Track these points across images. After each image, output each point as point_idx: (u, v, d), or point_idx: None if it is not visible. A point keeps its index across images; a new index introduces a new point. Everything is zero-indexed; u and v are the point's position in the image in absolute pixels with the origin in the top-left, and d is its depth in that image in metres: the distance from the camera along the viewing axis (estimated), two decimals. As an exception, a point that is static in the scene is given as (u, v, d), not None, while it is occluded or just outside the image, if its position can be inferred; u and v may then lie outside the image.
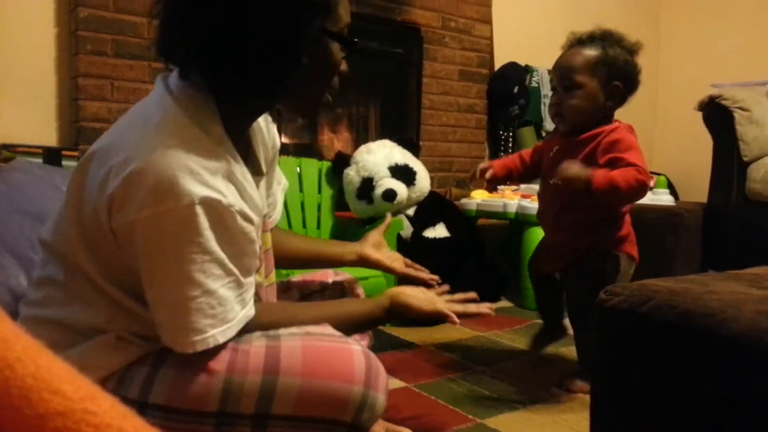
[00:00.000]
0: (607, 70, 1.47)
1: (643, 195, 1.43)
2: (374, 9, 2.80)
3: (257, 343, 0.83)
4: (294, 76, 0.83)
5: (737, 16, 3.89)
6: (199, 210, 0.73)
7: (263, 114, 0.98)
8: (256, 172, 0.95)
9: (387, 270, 1.24)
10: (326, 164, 2.46)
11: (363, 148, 2.42)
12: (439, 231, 2.34)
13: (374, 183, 2.29)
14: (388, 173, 2.31)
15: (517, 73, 3.33)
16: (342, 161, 2.41)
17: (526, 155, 1.72)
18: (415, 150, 2.50)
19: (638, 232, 2.72)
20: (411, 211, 2.38)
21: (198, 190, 0.73)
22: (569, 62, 1.49)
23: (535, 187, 2.70)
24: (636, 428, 0.85)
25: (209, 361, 0.80)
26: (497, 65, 3.37)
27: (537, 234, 2.39)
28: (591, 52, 1.47)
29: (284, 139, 2.87)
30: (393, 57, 3.05)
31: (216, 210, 0.75)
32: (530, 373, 1.69)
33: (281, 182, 1.14)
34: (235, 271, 0.80)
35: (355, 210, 2.38)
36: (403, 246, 2.25)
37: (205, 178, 0.75)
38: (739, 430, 0.71)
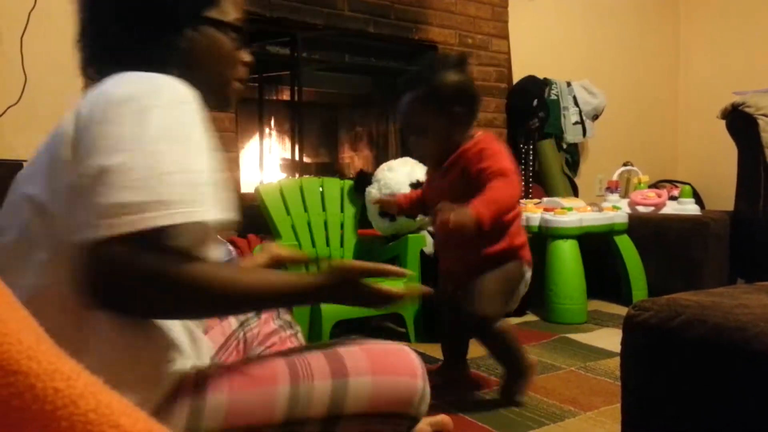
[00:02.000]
0: (437, 102, 1.50)
1: (520, 193, 1.47)
2: (392, 29, 2.83)
3: (313, 354, 0.85)
4: (177, 58, 0.88)
5: (758, 22, 3.86)
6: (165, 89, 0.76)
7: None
8: None
9: (296, 259, 1.23)
10: (348, 183, 2.48)
11: (384, 166, 2.43)
12: (462, 246, 2.34)
13: (396, 200, 2.30)
14: (409, 190, 2.32)
15: (535, 86, 3.34)
16: (363, 180, 2.43)
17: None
18: (435, 166, 2.51)
19: (665, 242, 2.69)
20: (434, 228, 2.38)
21: (170, 88, 0.77)
22: (403, 112, 1.57)
23: (560, 200, 2.69)
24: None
25: (269, 375, 0.80)
26: (515, 79, 3.38)
27: (560, 247, 2.39)
28: (415, 94, 1.53)
29: (306, 159, 2.90)
30: (411, 75, 3.07)
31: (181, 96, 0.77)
32: (558, 388, 1.68)
33: None
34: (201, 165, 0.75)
35: (378, 227, 2.39)
36: (426, 263, 2.26)
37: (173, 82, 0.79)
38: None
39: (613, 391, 1.62)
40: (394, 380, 0.84)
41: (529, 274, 1.62)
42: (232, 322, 1.15)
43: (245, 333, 1.15)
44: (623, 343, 0.92)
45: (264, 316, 1.18)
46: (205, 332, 1.03)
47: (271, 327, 1.17)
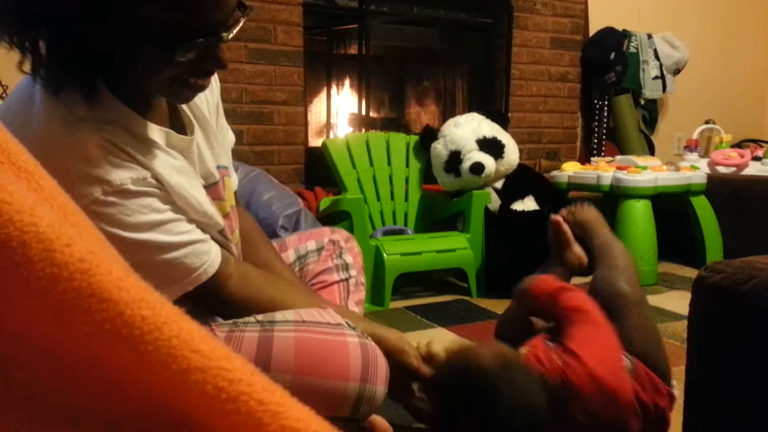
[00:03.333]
0: None
1: None
2: (462, -22, 2.75)
3: (250, 333, 0.83)
4: (114, 60, 0.75)
5: None
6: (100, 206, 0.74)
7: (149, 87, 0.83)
8: (185, 131, 0.90)
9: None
10: (414, 138, 2.47)
11: (451, 121, 2.41)
12: (527, 204, 2.31)
13: (462, 156, 2.28)
14: (475, 146, 2.29)
15: (613, 38, 3.19)
16: (430, 135, 2.42)
17: None
18: (503, 122, 2.46)
19: (745, 204, 2.56)
20: (499, 184, 2.36)
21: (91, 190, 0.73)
22: None
23: (634, 158, 2.59)
24: (736, 410, 0.82)
25: None
26: (592, 31, 3.24)
27: (632, 207, 2.31)
28: None
29: (372, 114, 2.91)
30: (482, 28, 3.00)
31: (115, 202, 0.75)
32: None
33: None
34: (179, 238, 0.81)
35: (442, 183, 2.39)
36: (490, 219, 2.24)
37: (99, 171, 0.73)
38: None
39: (678, 354, 1.58)
40: (318, 383, 0.77)
41: None
42: (290, 255, 1.17)
43: (302, 267, 1.17)
44: (692, 304, 0.90)
45: (324, 253, 1.19)
46: None
47: (326, 265, 1.17)
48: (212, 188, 0.94)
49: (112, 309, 0.26)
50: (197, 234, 0.85)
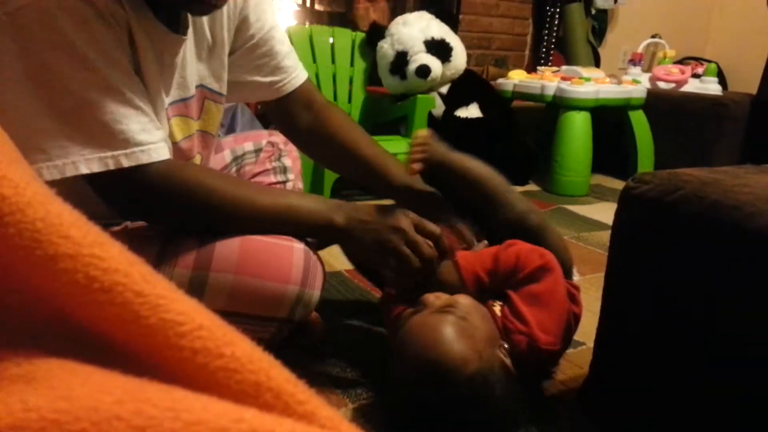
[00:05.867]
0: None
1: None
2: None
3: (191, 239, 0.80)
4: None
5: None
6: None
7: None
8: (178, 29, 0.82)
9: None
10: (360, 35, 2.37)
11: (399, 19, 2.32)
12: (471, 111, 2.29)
13: (408, 58, 2.22)
14: (423, 48, 2.22)
15: (570, -58, 3.09)
16: (377, 33, 2.32)
17: None
18: (453, 24, 2.39)
19: (680, 120, 2.63)
20: (444, 89, 2.32)
21: None
22: None
23: (579, 69, 2.59)
24: (650, 315, 0.86)
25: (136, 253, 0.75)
26: (549, -68, 3.12)
27: (572, 119, 2.33)
28: None
29: (318, 7, 2.76)
30: None
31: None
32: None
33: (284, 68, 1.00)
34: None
35: (387, 85, 2.33)
36: (434, 125, 2.22)
37: None
38: (761, 324, 0.71)
39: (602, 261, 1.63)
40: (258, 283, 0.78)
41: None
42: (227, 155, 1.13)
43: (239, 168, 1.13)
44: (617, 213, 0.92)
45: (263, 155, 1.16)
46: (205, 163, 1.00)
47: (263, 167, 1.14)
48: (180, 104, 0.85)
49: (-34, 187, 0.23)
50: (152, 123, 0.74)
